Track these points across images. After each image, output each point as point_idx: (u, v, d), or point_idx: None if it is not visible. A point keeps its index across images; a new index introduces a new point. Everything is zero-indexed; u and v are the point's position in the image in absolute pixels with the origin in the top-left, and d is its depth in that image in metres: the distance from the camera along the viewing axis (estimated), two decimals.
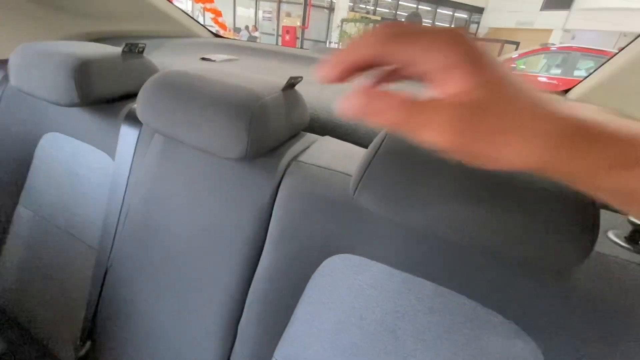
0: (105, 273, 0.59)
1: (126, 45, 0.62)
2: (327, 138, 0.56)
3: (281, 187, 0.48)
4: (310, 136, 0.56)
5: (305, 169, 0.48)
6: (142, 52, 0.65)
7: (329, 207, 0.45)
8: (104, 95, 0.60)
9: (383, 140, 0.37)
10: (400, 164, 0.35)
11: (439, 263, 0.41)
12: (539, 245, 0.30)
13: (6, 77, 0.77)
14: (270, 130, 0.46)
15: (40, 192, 0.71)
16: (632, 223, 0.37)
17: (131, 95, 0.65)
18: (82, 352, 0.57)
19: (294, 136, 0.54)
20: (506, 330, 0.38)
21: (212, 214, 0.50)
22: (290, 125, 0.51)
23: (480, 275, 0.39)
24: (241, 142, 0.43)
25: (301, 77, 0.52)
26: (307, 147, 0.52)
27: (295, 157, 0.49)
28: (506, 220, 0.31)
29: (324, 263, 0.46)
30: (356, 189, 0.37)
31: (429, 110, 0.17)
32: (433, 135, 0.17)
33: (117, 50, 0.62)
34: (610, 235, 0.38)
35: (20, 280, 0.72)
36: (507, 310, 0.38)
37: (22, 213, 0.73)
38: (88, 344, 0.58)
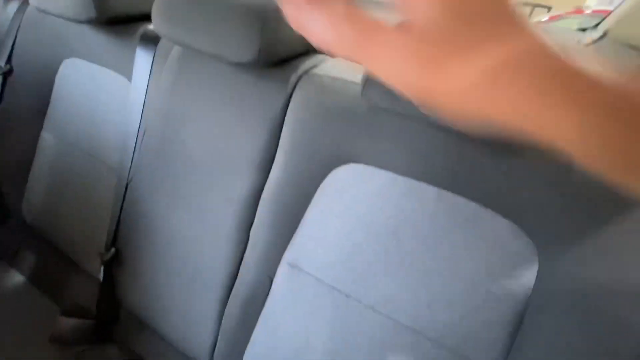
0: (126, 189, 0.63)
1: None
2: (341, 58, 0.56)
3: (292, 98, 0.49)
4: (323, 56, 0.56)
5: (317, 80, 0.48)
6: None
7: (339, 115, 0.46)
8: (120, 12, 0.60)
9: None
10: None
11: (441, 167, 0.42)
12: None
13: (24, 4, 0.78)
14: (283, 37, 0.46)
15: (63, 117, 0.74)
16: None
17: (146, 17, 0.65)
18: (107, 257, 0.62)
19: (307, 54, 0.55)
20: (504, 230, 0.39)
21: (225, 125, 0.52)
22: (304, 39, 0.51)
23: (482, 176, 0.40)
24: (253, 44, 0.43)
25: None
26: (320, 63, 0.52)
27: (307, 71, 0.50)
28: None
29: (332, 173, 0.48)
30: (364, 84, 0.38)
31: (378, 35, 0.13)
32: (382, 69, 0.14)
33: None
34: None
35: (48, 201, 0.77)
36: (507, 210, 0.39)
37: (46, 138, 0.77)
38: (112, 251, 0.63)
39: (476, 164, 0.40)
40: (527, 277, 0.38)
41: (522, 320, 0.39)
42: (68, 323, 0.65)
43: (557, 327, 0.37)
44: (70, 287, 0.72)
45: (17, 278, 0.77)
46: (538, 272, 0.38)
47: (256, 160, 0.51)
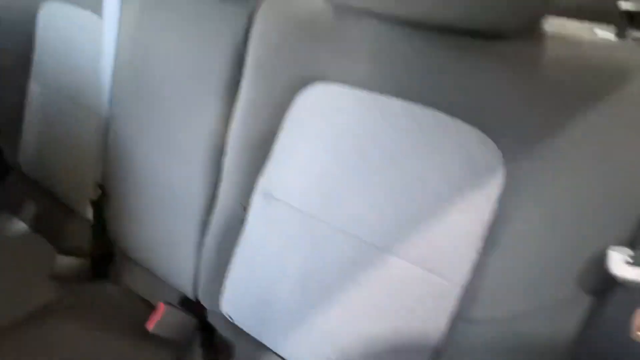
0: (107, 129, 0.63)
1: None
2: None
3: (256, 18, 0.47)
4: None
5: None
6: None
7: (304, 32, 0.44)
8: None
9: None
10: None
11: (407, 77, 0.40)
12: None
13: None
14: None
15: (46, 64, 0.74)
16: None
17: None
18: (94, 197, 0.64)
19: None
20: (470, 138, 0.37)
21: (190, 53, 0.51)
22: None
23: (447, 84, 0.38)
24: None
25: None
26: None
27: None
28: None
29: (300, 95, 0.47)
30: None
31: None
32: None
33: None
34: (596, 30, 0.34)
35: (41, 150, 0.78)
36: (473, 117, 0.37)
37: (34, 88, 0.77)
38: (98, 190, 0.64)
39: (441, 71, 0.38)
40: (493, 186, 0.37)
41: (489, 232, 0.37)
42: (65, 262, 0.69)
43: (525, 236, 0.36)
44: (68, 230, 0.75)
45: (20, 226, 0.81)
46: (504, 181, 0.36)
47: (222, 87, 0.50)
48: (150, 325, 0.58)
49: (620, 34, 0.33)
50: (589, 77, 0.31)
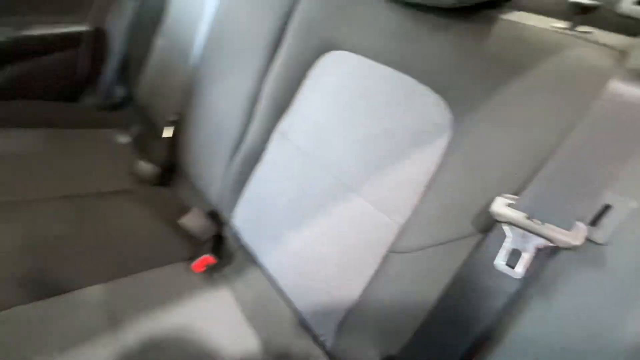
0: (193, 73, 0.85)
1: None
2: None
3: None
4: None
5: None
6: None
7: (336, 9, 0.57)
8: None
9: None
10: None
11: (394, 48, 0.49)
12: None
13: None
14: None
15: (170, 25, 1.00)
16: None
17: None
18: (171, 118, 0.86)
19: None
20: (432, 103, 0.45)
21: (256, 23, 0.68)
22: None
23: (422, 55, 0.46)
24: None
25: None
26: None
27: None
28: None
29: (320, 58, 0.59)
30: None
31: None
32: None
33: None
34: (552, 23, 0.39)
35: (150, 89, 1.05)
36: (434, 83, 0.45)
37: (159, 42, 1.04)
38: (175, 116, 0.86)
39: (419, 44, 0.46)
40: (441, 142, 0.44)
41: (431, 179, 0.44)
42: (142, 167, 0.92)
43: (448, 183, 0.42)
44: (155, 146, 0.99)
45: (126, 139, 1.09)
46: (449, 138, 0.43)
47: (268, 43, 0.65)
48: (179, 220, 0.76)
49: (572, 28, 0.37)
50: (525, 56, 0.37)
